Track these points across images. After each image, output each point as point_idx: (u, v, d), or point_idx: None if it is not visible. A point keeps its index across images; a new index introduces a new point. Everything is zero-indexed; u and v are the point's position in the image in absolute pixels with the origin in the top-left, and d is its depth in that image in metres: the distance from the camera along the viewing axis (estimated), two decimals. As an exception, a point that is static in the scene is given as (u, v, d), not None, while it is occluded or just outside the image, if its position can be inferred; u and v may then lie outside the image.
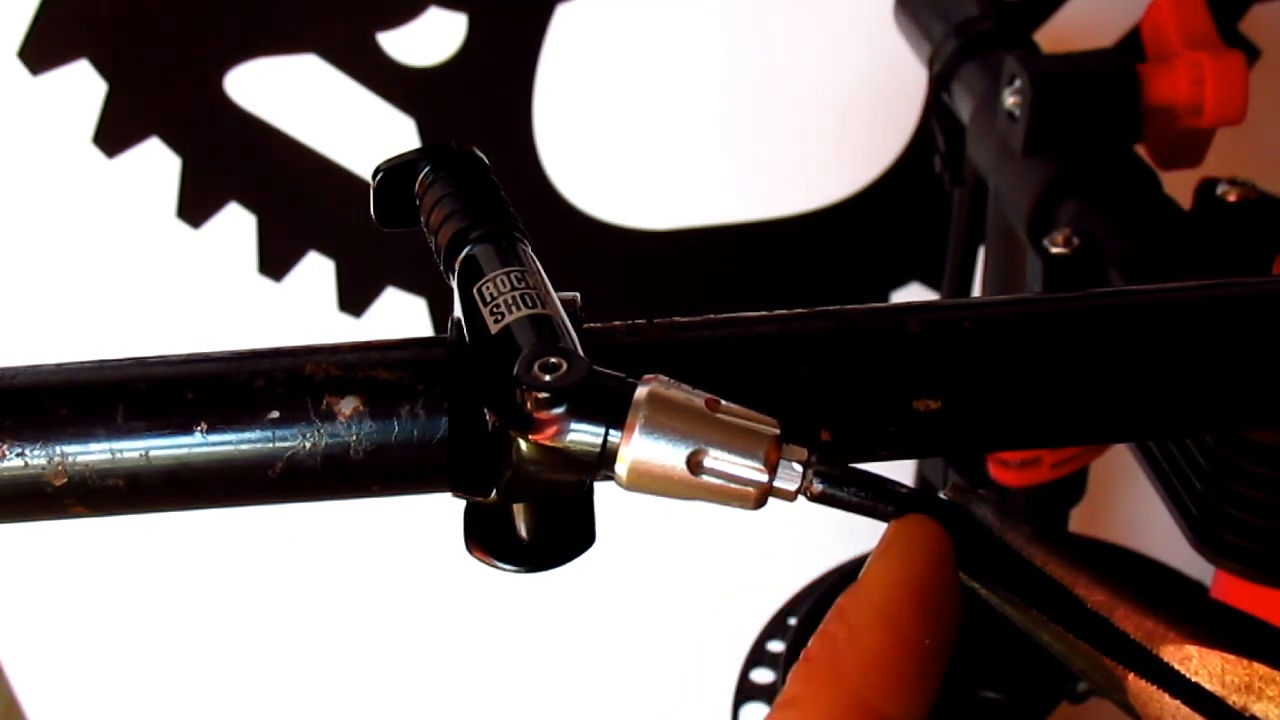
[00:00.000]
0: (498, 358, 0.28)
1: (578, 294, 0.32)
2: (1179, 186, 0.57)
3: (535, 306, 0.29)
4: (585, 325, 0.31)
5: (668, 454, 0.26)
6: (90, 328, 0.94)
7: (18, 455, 0.29)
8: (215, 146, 0.88)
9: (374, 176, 0.35)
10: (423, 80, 0.87)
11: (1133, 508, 1.02)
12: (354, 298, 0.94)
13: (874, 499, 0.27)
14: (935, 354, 0.31)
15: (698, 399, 0.27)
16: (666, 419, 0.27)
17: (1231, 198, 0.53)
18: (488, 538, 0.30)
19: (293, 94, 0.87)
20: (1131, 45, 0.82)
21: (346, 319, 0.94)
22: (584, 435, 0.27)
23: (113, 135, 0.87)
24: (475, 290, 0.30)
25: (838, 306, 0.32)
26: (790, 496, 0.27)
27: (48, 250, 0.91)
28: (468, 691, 1.14)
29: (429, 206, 0.34)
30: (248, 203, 0.90)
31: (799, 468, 0.27)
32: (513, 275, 0.30)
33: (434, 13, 0.85)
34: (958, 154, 0.69)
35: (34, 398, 0.30)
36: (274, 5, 0.84)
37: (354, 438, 0.30)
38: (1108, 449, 0.70)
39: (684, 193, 0.93)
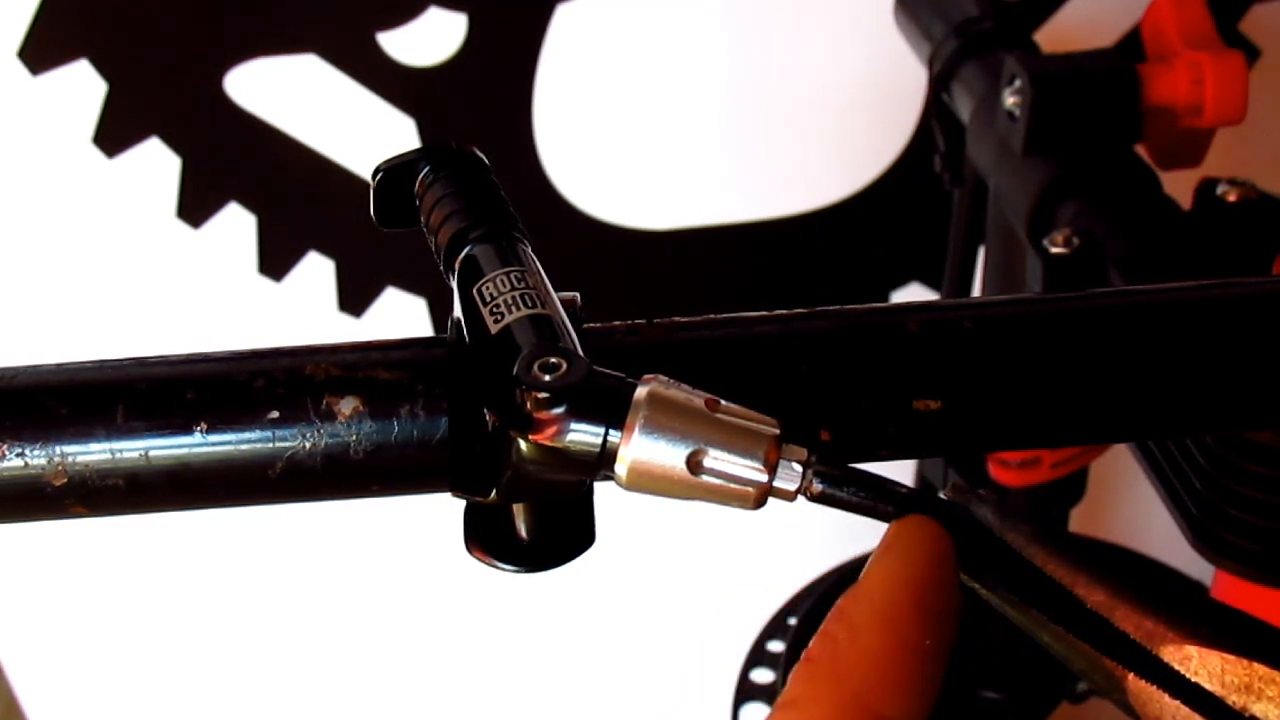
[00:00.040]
0: (498, 358, 0.28)
1: (578, 294, 0.31)
2: (1179, 186, 0.57)
3: (535, 306, 0.29)
4: (585, 325, 0.31)
5: (667, 454, 0.26)
6: (90, 328, 0.94)
7: (18, 455, 0.29)
8: (215, 146, 0.88)
9: (374, 176, 0.35)
10: (423, 80, 0.87)
11: (1133, 508, 1.02)
12: (354, 298, 0.94)
13: (874, 499, 0.27)
14: (935, 354, 0.31)
15: (697, 399, 0.27)
16: (666, 419, 0.27)
17: (1231, 198, 0.53)
18: (488, 538, 0.30)
19: (293, 94, 0.87)
20: (1131, 45, 0.82)
21: (346, 319, 0.94)
22: (584, 435, 0.27)
23: (113, 135, 0.87)
24: (475, 290, 0.30)
25: (838, 306, 0.32)
26: (790, 496, 0.27)
27: (48, 250, 0.91)
28: (468, 691, 1.14)
29: (429, 206, 0.34)
30: (248, 203, 0.90)
31: (799, 468, 0.27)
32: (513, 275, 0.30)
33: (434, 13, 0.85)
34: (958, 154, 0.69)
35: (34, 398, 0.30)
36: (274, 5, 0.84)
37: (354, 438, 0.30)
38: (1108, 449, 0.70)
39: (684, 193, 0.93)
